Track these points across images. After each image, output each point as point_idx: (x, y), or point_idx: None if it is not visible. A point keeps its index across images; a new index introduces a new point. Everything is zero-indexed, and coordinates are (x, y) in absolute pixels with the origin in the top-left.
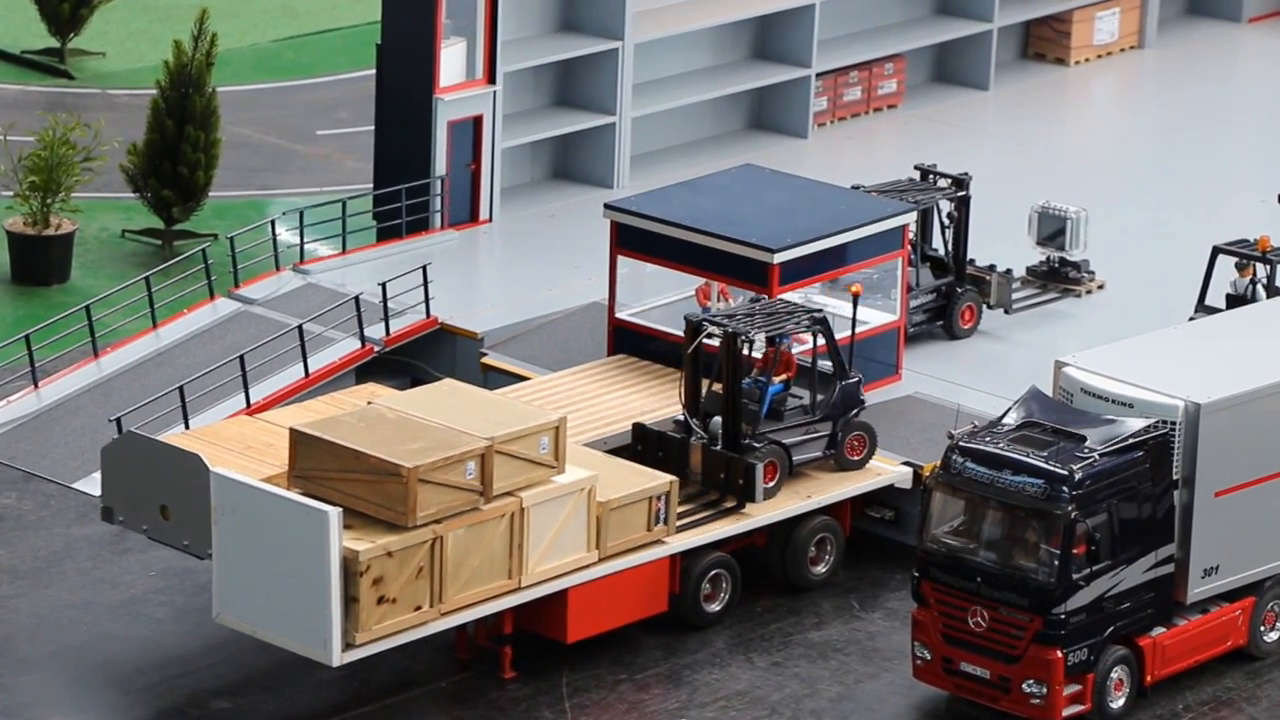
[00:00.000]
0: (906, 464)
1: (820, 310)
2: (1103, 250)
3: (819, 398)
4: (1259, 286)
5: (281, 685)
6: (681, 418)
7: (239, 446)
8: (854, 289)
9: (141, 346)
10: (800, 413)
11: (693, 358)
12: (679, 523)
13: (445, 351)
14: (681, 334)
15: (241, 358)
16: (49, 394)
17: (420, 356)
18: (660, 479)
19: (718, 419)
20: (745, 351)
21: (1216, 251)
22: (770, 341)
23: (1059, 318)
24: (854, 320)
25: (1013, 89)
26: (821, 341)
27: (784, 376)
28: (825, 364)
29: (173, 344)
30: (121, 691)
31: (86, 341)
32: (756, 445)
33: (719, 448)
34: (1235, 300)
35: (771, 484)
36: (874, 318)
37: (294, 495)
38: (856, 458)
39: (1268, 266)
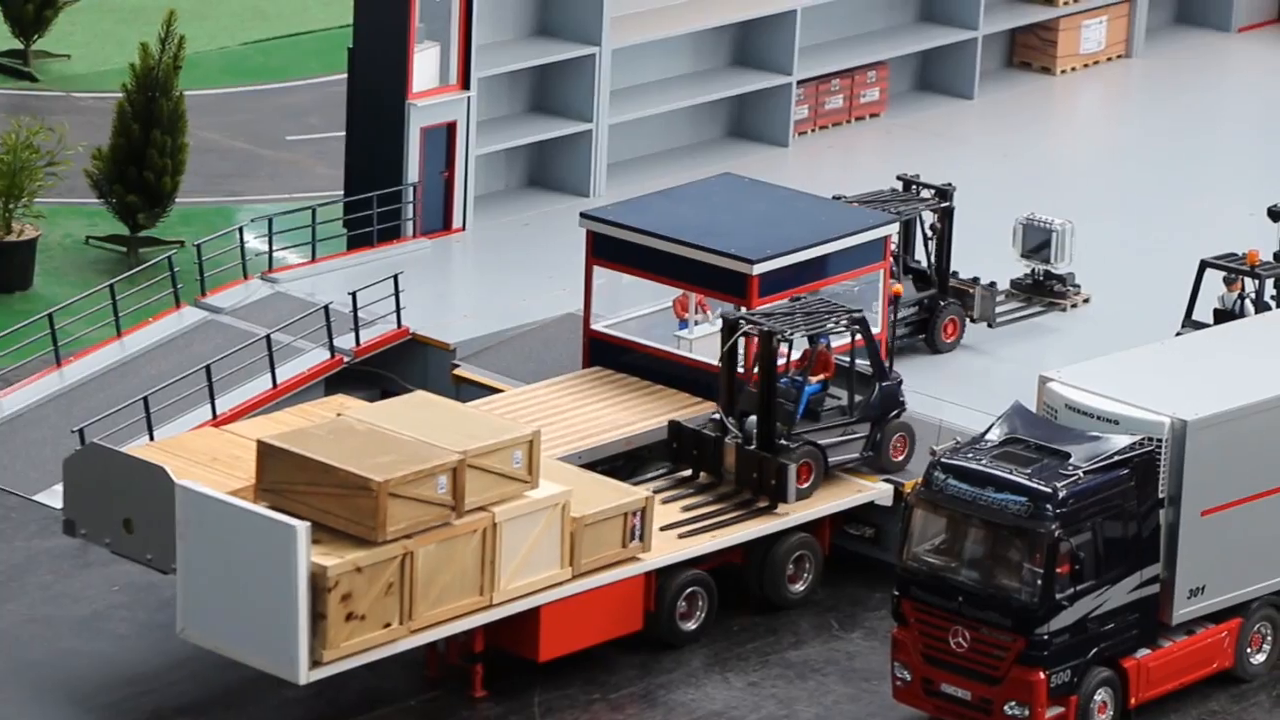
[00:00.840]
0: (887, 480)
1: (860, 310)
2: (1088, 263)
3: (857, 399)
4: (1247, 301)
5: (247, 704)
6: (717, 416)
7: (205, 459)
8: (896, 289)
9: (105, 356)
10: (837, 413)
11: (729, 356)
12: (711, 521)
13: (417, 363)
14: (659, 346)
15: (208, 368)
16: (9, 404)
17: (391, 368)
18: (635, 495)
19: (753, 418)
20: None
21: (1204, 265)
22: (808, 341)
23: (1043, 332)
24: (893, 321)
25: (998, 98)
26: (857, 340)
27: (821, 376)
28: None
29: (137, 353)
30: (83, 709)
31: (49, 350)
32: (791, 446)
33: (753, 447)
34: (1223, 315)
35: (806, 485)
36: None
37: (261, 509)
38: (899, 459)
39: (1256, 281)
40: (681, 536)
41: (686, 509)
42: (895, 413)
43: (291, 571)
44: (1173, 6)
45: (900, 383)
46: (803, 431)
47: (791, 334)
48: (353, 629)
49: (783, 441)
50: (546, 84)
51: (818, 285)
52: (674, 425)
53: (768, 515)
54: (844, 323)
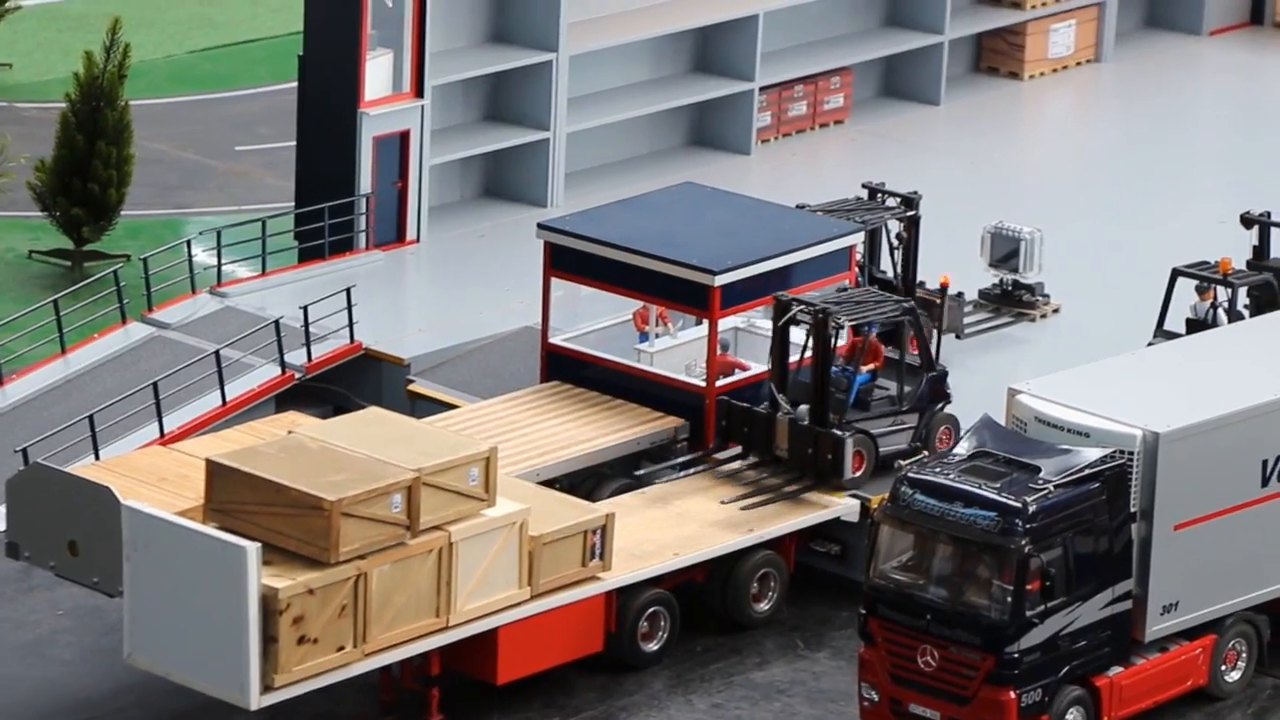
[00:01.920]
0: (853, 496)
1: (910, 300)
2: (1058, 273)
3: (906, 388)
4: (1220, 311)
5: None
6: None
7: (152, 479)
8: (944, 279)
9: (49, 373)
10: (887, 403)
11: (781, 334)
12: (755, 500)
13: (370, 378)
14: (619, 360)
15: (155, 385)
16: None
17: (344, 383)
18: (595, 512)
19: (803, 406)
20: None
21: (1176, 274)
22: (857, 330)
23: (1012, 343)
24: (943, 313)
25: (964, 104)
26: (902, 333)
27: (871, 366)
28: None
29: (83, 370)
30: None
31: None
32: (844, 434)
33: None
34: (1196, 325)
35: (859, 473)
36: None
37: (210, 530)
38: (946, 449)
39: (1229, 290)
40: (744, 509)
41: (742, 483)
42: (941, 404)
43: (242, 594)
44: (1143, 9)
45: (946, 374)
46: (854, 420)
47: (846, 320)
48: (305, 652)
49: (835, 430)
50: (502, 91)
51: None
52: (722, 403)
53: (826, 490)
54: (894, 312)
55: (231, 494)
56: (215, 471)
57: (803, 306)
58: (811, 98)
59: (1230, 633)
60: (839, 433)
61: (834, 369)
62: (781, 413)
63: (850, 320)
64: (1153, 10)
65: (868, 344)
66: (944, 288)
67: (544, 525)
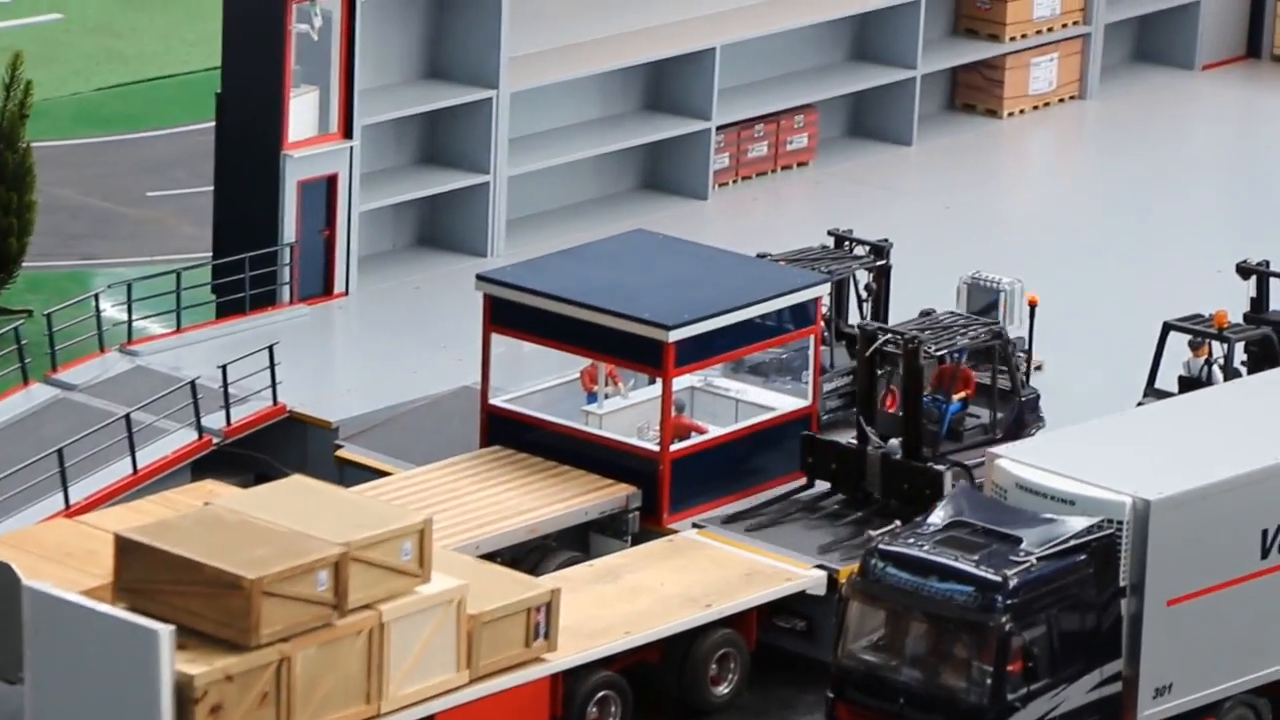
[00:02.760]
0: (820, 568)
1: (996, 322)
2: (1040, 326)
3: (999, 416)
4: (1215, 368)
5: None
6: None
7: (57, 554)
8: (1031, 298)
9: None
10: (980, 432)
11: (868, 363)
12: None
13: (295, 443)
14: (565, 423)
15: (60, 452)
16: None
17: (266, 449)
18: (539, 588)
19: (894, 440)
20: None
21: (1168, 328)
22: (944, 359)
23: None
24: (1030, 333)
25: (939, 144)
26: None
27: (962, 395)
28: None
29: None
30: None
31: None
32: (939, 467)
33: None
34: (1189, 383)
35: None
36: (782, 403)
37: (119, 611)
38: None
39: (1225, 345)
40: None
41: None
42: (1032, 429)
43: (154, 681)
44: (1130, 43)
45: (1038, 398)
46: (947, 452)
47: (936, 349)
48: None
49: (929, 464)
50: (438, 132)
51: (741, 354)
52: (807, 438)
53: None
54: (983, 336)
55: (142, 572)
56: (125, 547)
57: (891, 335)
58: (773, 138)
59: (1229, 717)
60: (937, 466)
61: (925, 400)
62: (872, 446)
63: (939, 348)
64: (1141, 43)
65: (959, 372)
66: (1033, 305)
67: (484, 603)
